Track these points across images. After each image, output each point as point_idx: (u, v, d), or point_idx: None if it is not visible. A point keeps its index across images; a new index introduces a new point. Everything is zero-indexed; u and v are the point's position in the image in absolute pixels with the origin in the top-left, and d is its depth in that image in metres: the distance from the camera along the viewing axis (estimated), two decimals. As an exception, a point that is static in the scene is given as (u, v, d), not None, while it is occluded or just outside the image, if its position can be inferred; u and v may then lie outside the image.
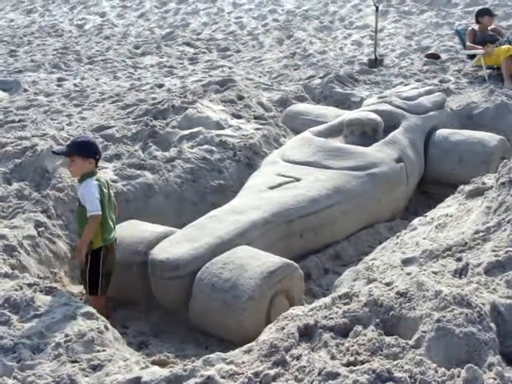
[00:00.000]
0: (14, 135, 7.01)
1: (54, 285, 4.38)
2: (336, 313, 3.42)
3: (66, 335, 3.65)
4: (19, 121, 8.82)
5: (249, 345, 3.42)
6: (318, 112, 8.23)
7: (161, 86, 10.86)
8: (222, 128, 7.54)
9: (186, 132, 7.35)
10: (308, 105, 8.83)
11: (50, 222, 5.48)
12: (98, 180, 4.60)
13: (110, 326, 3.93)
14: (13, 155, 6.23)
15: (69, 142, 4.85)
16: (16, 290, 4.08)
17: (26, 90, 10.69)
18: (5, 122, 8.79)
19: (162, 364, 3.93)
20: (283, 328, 3.41)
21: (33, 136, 6.78)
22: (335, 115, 7.83)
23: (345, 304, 3.52)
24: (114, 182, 6.17)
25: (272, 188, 5.82)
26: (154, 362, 3.93)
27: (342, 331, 3.30)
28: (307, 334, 3.33)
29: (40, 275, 4.94)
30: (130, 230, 5.08)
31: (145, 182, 6.34)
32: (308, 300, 4.88)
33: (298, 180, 5.97)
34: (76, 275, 5.22)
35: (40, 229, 5.30)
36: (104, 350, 3.61)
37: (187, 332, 4.65)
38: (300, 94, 9.44)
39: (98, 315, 3.95)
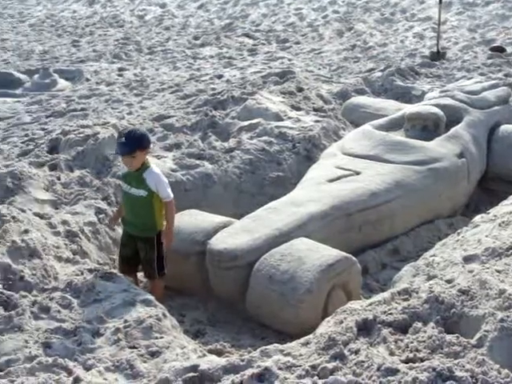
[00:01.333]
0: (76, 123, 7.15)
1: (113, 271, 4.45)
2: (395, 308, 3.38)
3: (125, 321, 3.72)
4: (81, 109, 9.00)
5: (306, 337, 3.41)
6: (378, 105, 8.14)
7: (220, 76, 10.91)
8: (281, 120, 7.52)
9: (246, 123, 7.35)
10: (368, 98, 8.74)
11: (110, 208, 5.55)
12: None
13: (167, 313, 3.97)
14: (75, 143, 6.34)
15: (122, 139, 4.50)
16: (77, 275, 4.18)
17: (87, 80, 10.90)
18: (67, 111, 8.98)
19: (218, 353, 3.95)
20: (341, 322, 3.39)
21: (94, 124, 6.88)
22: (395, 109, 7.73)
23: (404, 300, 3.48)
24: (173, 171, 6.22)
25: (331, 181, 5.77)
26: (210, 351, 3.95)
27: (402, 327, 3.27)
28: (366, 328, 3.31)
29: (99, 261, 5.02)
30: (189, 220, 5.11)
31: (204, 172, 6.37)
32: (365, 294, 4.85)
33: (357, 173, 5.91)
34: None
35: (100, 215, 5.38)
36: (162, 337, 3.66)
37: (243, 322, 4.67)
38: (360, 86, 9.36)
39: (157, 302, 4.00)
